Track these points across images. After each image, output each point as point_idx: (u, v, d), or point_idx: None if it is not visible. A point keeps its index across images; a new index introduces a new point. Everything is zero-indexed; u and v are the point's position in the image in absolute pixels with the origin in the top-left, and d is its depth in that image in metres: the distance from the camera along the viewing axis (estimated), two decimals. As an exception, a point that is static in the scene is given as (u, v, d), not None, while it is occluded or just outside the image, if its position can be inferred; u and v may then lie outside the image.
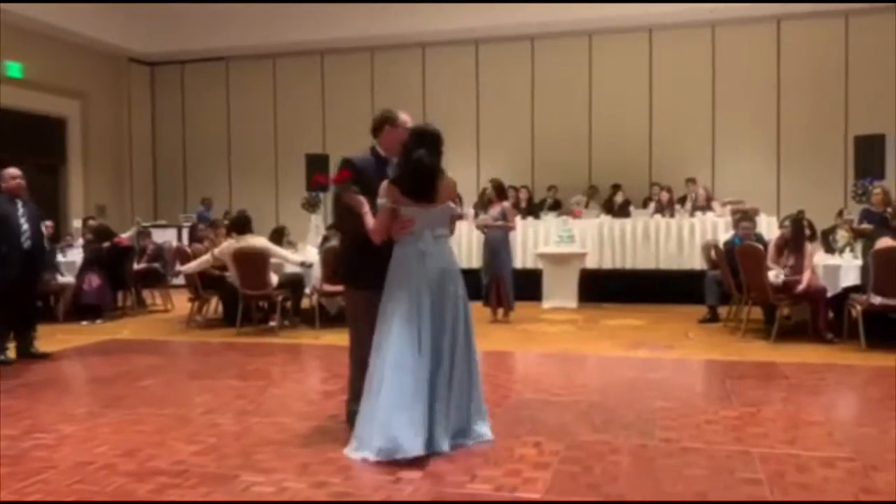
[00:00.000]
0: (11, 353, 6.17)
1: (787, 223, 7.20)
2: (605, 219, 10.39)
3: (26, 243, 6.06)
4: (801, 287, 6.68)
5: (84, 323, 8.40)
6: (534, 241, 10.08)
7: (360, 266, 3.79)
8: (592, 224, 10.18)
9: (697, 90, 12.32)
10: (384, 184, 3.64)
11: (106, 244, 8.82)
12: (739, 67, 12.13)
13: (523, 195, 11.69)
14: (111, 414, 4.46)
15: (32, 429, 4.12)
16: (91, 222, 9.56)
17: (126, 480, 3.29)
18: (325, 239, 8.34)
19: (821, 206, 10.06)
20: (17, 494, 3.13)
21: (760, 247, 7.10)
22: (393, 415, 3.42)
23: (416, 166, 3.64)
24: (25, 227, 6.05)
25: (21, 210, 6.09)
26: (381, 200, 3.60)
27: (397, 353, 3.49)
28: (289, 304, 8.03)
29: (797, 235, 6.99)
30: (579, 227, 9.91)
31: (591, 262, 9.79)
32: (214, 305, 8.84)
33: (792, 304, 6.98)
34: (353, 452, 3.53)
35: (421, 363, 3.49)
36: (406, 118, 3.95)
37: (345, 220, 3.88)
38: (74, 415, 4.53)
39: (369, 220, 3.61)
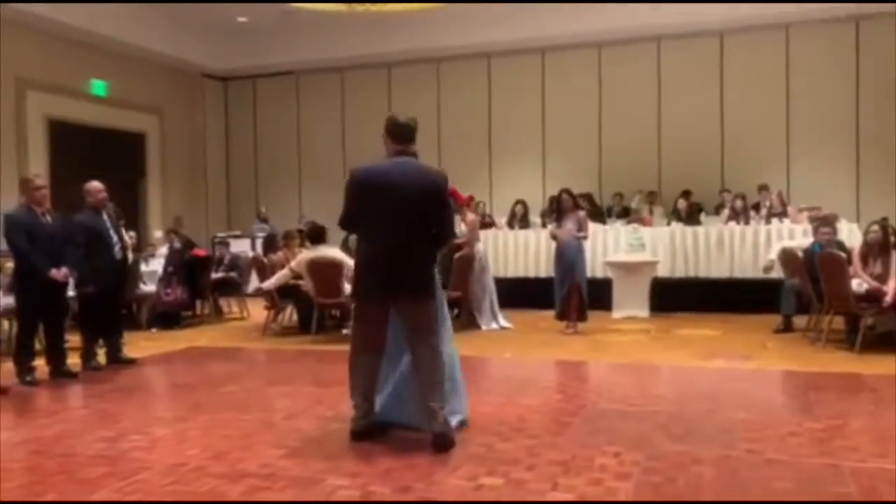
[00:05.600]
0: (101, 359, 6.45)
1: (874, 228, 6.94)
2: (677, 226, 10.22)
3: (119, 254, 6.35)
4: (888, 298, 6.44)
5: (163, 330, 8.71)
6: (603, 248, 9.97)
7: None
8: (663, 232, 10.03)
9: (770, 94, 12.03)
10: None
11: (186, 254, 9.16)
12: (814, 69, 11.79)
13: (584, 204, 11.54)
14: (198, 418, 4.62)
15: (127, 431, 4.32)
16: (177, 235, 9.89)
17: (218, 482, 3.41)
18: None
19: (905, 212, 9.68)
20: (118, 493, 3.29)
21: (842, 254, 6.88)
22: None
23: None
24: (115, 238, 6.34)
25: (108, 223, 6.37)
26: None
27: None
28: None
29: (884, 241, 6.75)
30: (650, 235, 9.78)
31: (662, 271, 9.64)
32: (289, 313, 9.06)
33: (877, 313, 6.73)
34: (452, 419, 3.98)
35: None
36: None
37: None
38: (164, 418, 4.73)
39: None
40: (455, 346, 4.34)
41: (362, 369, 3.98)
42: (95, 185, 6.43)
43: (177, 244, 9.44)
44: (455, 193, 4.42)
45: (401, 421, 4.11)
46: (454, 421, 4.04)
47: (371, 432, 3.99)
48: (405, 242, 3.84)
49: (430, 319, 3.95)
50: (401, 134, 3.96)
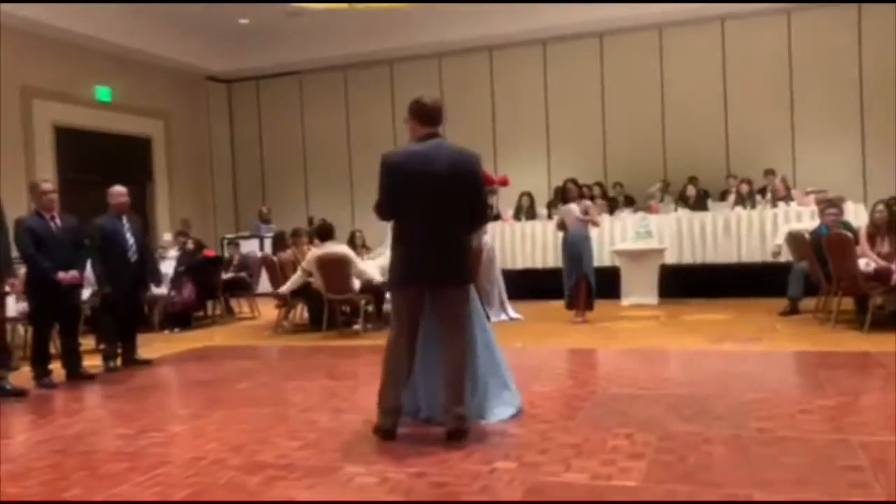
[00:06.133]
0: (117, 360, 6.52)
1: (879, 207, 6.96)
2: (683, 213, 10.24)
3: (133, 257, 6.42)
4: (895, 277, 6.45)
5: (175, 331, 8.80)
6: (610, 237, 10.01)
7: None
8: (670, 219, 10.05)
9: (773, 78, 12.01)
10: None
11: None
12: (817, 54, 11.77)
13: (597, 192, 11.61)
14: (214, 414, 4.69)
15: (145, 428, 4.38)
16: (187, 237, 9.98)
17: (236, 473, 3.47)
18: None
19: (911, 191, 9.67)
20: (139, 487, 3.35)
21: (849, 234, 6.89)
22: None
23: None
24: (131, 241, 6.42)
25: (127, 226, 6.45)
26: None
27: None
28: (371, 307, 8.23)
29: (890, 220, 6.76)
30: (657, 223, 9.80)
31: (670, 258, 9.66)
32: (300, 311, 9.13)
33: (885, 292, 6.75)
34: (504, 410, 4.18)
35: None
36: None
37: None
38: (181, 415, 4.80)
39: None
40: (492, 334, 4.37)
41: (398, 362, 3.86)
42: (118, 189, 6.54)
43: (190, 245, 9.53)
44: (486, 175, 4.32)
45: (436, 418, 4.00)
46: (506, 413, 4.13)
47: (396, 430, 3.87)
48: (445, 226, 3.77)
49: (465, 308, 3.93)
50: (430, 115, 3.88)
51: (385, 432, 3.82)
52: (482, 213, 4.08)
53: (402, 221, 3.84)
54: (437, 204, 3.74)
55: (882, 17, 11.37)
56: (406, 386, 3.95)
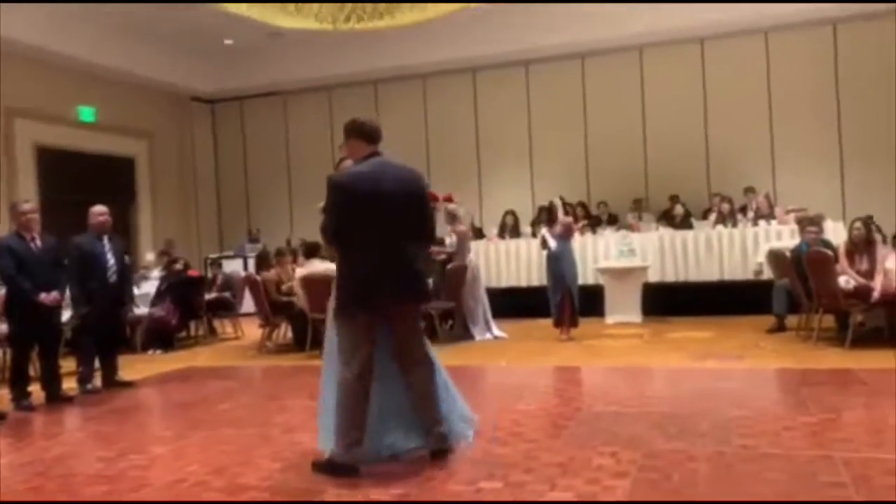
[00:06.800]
0: (97, 382, 6.44)
1: (856, 225, 7.04)
2: (666, 231, 10.30)
3: (112, 278, 6.36)
4: (875, 294, 6.53)
5: (157, 352, 8.71)
6: (593, 255, 10.06)
7: None
8: (653, 237, 10.11)
9: (753, 98, 12.16)
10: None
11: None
12: (795, 73, 11.94)
13: (580, 213, 11.68)
14: (196, 435, 4.64)
15: (126, 451, 4.32)
16: (170, 257, 9.92)
17: (218, 496, 3.43)
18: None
19: (889, 209, 9.81)
20: (119, 510, 3.31)
21: (829, 252, 6.96)
22: None
23: None
24: (112, 262, 6.37)
25: (107, 246, 6.40)
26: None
27: None
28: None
29: (867, 237, 6.84)
30: (639, 241, 9.85)
31: (653, 276, 9.71)
32: (284, 331, 9.07)
33: (866, 309, 6.81)
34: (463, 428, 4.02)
35: None
36: None
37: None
38: (163, 437, 4.74)
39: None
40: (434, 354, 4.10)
41: (357, 399, 3.63)
42: (98, 208, 6.49)
43: (179, 266, 9.49)
44: (431, 193, 4.27)
45: (408, 448, 3.84)
46: (470, 433, 4.02)
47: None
48: (399, 245, 3.70)
49: (420, 328, 3.94)
50: (371, 134, 3.84)
51: (350, 469, 3.58)
52: (432, 230, 4.02)
53: (355, 243, 3.69)
54: (390, 223, 3.67)
55: (856, 35, 11.58)
56: (385, 426, 3.79)
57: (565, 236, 8.17)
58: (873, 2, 11.05)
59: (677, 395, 5.31)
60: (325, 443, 3.82)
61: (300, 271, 8.07)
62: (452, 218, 8.90)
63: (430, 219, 3.95)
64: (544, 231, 8.47)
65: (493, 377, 6.65)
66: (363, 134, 3.84)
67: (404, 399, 3.82)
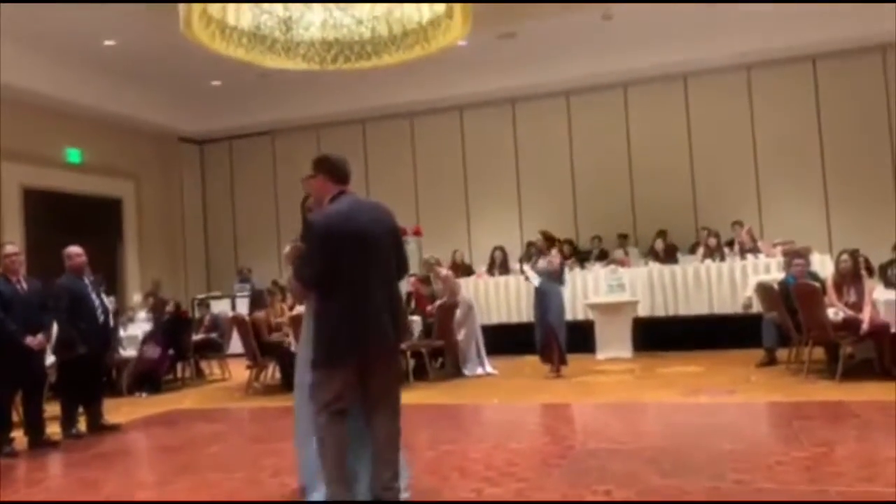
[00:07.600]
0: (82, 426, 6.33)
1: (843, 257, 7.08)
2: (654, 266, 10.34)
3: (101, 318, 6.30)
4: (864, 326, 6.55)
5: (143, 395, 8.58)
6: (583, 291, 10.06)
7: None
8: (642, 272, 10.14)
9: (737, 133, 12.32)
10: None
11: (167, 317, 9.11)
12: (778, 108, 12.13)
13: (566, 249, 11.70)
14: (183, 480, 4.55)
15: (110, 497, 4.24)
16: (156, 299, 9.86)
17: (205, 542, 3.35)
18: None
19: (875, 241, 9.87)
20: (103, 559, 3.22)
21: (817, 284, 7.00)
22: None
23: None
24: (97, 302, 6.31)
25: (90, 286, 6.34)
26: None
27: None
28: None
29: (854, 269, 6.88)
30: (629, 276, 9.87)
31: (642, 310, 9.71)
32: (272, 371, 8.98)
33: (855, 341, 6.82)
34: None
35: None
36: None
37: None
38: (148, 482, 4.65)
39: None
40: None
41: (338, 445, 3.42)
42: (74, 249, 6.41)
43: (170, 307, 9.43)
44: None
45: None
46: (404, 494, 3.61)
47: None
48: (380, 285, 3.48)
49: (400, 374, 3.85)
50: (342, 173, 3.67)
51: None
52: (406, 265, 3.84)
53: (337, 288, 3.42)
54: (369, 263, 3.46)
55: (837, 70, 11.81)
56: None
57: (553, 276, 8.15)
58: (853, 38, 11.29)
59: (670, 430, 5.28)
60: (304, 478, 3.73)
61: (289, 311, 8.01)
62: (430, 267, 9.09)
63: (404, 254, 3.78)
64: (526, 267, 8.48)
65: (484, 415, 6.59)
66: (334, 172, 3.68)
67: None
